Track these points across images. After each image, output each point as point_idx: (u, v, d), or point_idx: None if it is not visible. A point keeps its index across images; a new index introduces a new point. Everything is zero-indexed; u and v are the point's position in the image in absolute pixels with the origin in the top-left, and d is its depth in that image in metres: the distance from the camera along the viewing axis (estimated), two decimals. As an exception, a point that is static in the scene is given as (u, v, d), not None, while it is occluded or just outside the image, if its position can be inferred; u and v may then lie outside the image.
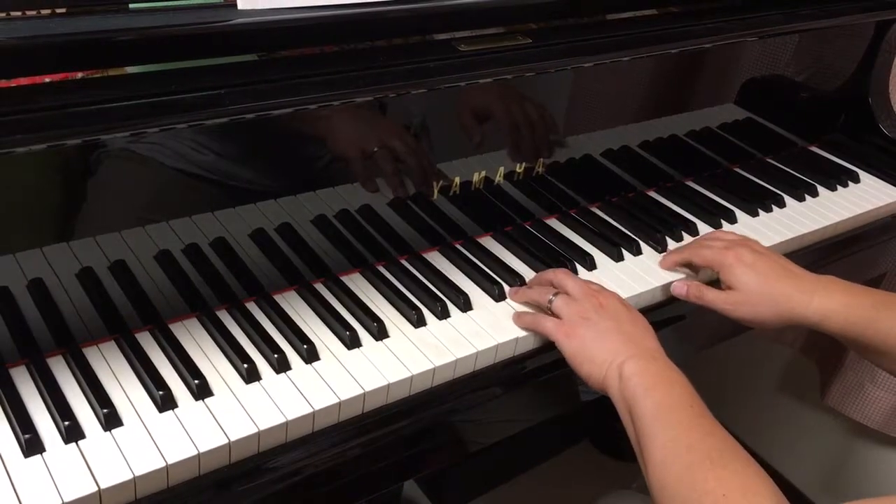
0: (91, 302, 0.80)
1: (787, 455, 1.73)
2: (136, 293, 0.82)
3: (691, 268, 1.02)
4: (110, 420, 0.71)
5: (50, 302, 0.79)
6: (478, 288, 0.95)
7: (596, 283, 0.92)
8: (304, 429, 0.76)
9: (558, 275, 0.92)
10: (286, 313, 0.86)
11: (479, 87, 0.96)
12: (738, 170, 1.29)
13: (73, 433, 0.70)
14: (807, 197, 1.23)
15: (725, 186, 1.22)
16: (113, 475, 0.67)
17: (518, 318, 0.90)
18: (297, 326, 0.84)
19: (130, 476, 0.67)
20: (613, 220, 1.11)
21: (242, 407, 0.75)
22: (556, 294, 0.88)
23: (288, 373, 0.79)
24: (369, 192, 0.95)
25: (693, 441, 0.71)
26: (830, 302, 0.89)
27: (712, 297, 0.95)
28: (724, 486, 0.66)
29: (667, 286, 1.00)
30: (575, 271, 1.00)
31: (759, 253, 0.95)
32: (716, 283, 0.97)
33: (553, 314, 0.88)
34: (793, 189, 1.23)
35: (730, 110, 1.28)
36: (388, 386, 0.80)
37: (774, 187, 1.23)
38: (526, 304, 0.93)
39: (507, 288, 0.95)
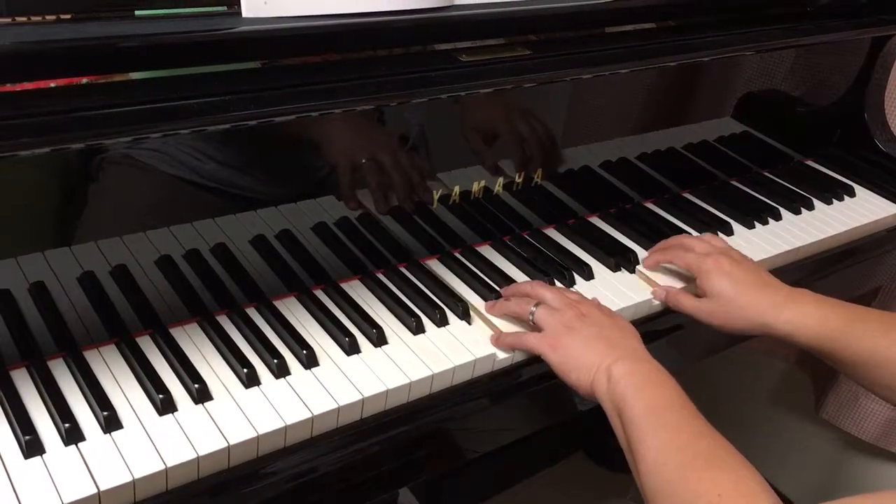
0: (92, 305, 0.81)
1: (782, 468, 1.73)
2: (137, 297, 0.83)
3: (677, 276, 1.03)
4: (110, 422, 0.72)
5: (51, 305, 0.79)
6: (477, 296, 0.95)
7: (574, 293, 0.93)
8: (302, 434, 0.77)
9: (535, 286, 0.92)
10: (286, 319, 0.86)
11: (479, 98, 0.97)
12: (734, 182, 1.30)
13: (73, 435, 0.70)
14: (803, 210, 1.24)
15: (722, 199, 1.23)
16: (112, 477, 0.67)
17: (498, 339, 0.89)
18: (297, 332, 0.85)
19: (130, 478, 0.67)
20: (611, 230, 1.12)
21: (242, 411, 0.75)
22: (536, 305, 0.88)
23: (287, 378, 0.80)
24: (369, 200, 0.95)
25: (685, 442, 0.71)
26: (801, 315, 0.90)
27: (688, 304, 0.96)
28: (719, 486, 0.66)
29: (664, 297, 1.01)
30: (572, 281, 1.00)
31: (736, 262, 0.96)
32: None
33: (535, 325, 0.88)
34: (789, 202, 1.24)
35: (727, 124, 1.29)
36: (387, 392, 0.80)
37: (771, 200, 1.24)
38: (504, 316, 0.92)
39: (485, 304, 0.94)
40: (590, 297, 0.94)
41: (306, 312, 0.89)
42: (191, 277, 0.86)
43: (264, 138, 0.85)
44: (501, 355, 0.88)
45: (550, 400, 0.98)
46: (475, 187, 1.03)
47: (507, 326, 0.91)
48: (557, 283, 0.99)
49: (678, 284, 1.02)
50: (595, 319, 0.86)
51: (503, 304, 0.93)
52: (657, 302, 1.00)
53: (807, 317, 0.90)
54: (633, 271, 1.04)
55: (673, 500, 0.68)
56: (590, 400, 0.82)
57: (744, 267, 0.96)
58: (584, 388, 0.82)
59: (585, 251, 1.07)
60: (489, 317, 0.93)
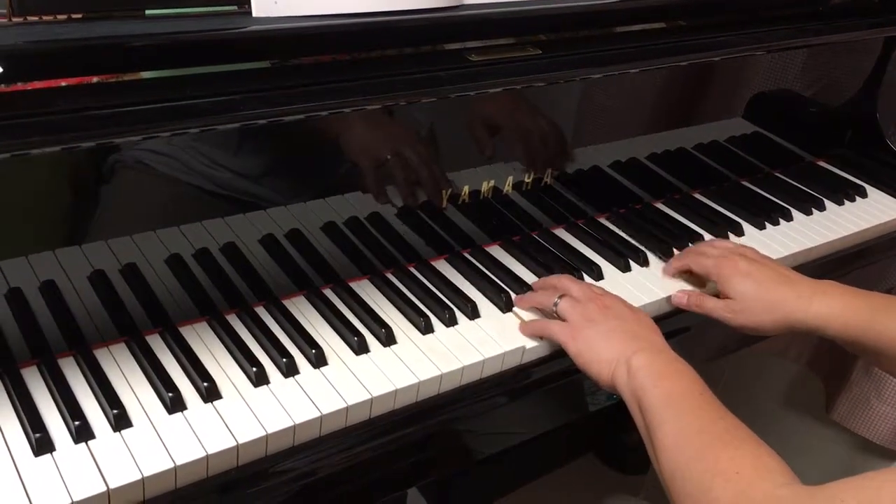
0: (102, 304, 0.81)
1: (792, 470, 1.72)
2: (146, 296, 0.83)
3: (694, 279, 1.02)
4: (120, 421, 0.72)
5: (62, 303, 0.79)
6: (485, 296, 0.95)
7: (599, 287, 0.93)
8: (311, 433, 0.77)
9: (562, 280, 0.93)
10: (295, 318, 0.86)
11: (488, 98, 0.97)
12: (745, 183, 1.29)
13: (83, 433, 0.70)
14: (814, 211, 1.23)
15: (733, 199, 1.22)
16: (122, 475, 0.67)
17: (524, 326, 0.91)
18: (306, 331, 0.85)
19: (139, 476, 0.68)
20: (621, 230, 1.12)
21: (251, 410, 0.75)
22: (560, 297, 0.89)
23: (296, 377, 0.80)
24: (379, 200, 0.95)
25: (704, 425, 0.72)
26: (829, 306, 0.90)
27: (712, 305, 0.95)
28: (737, 464, 0.66)
29: (673, 297, 1.00)
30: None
31: (755, 261, 0.96)
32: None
33: (558, 317, 0.89)
34: (800, 203, 1.23)
35: (738, 124, 1.28)
36: (396, 392, 0.80)
37: (782, 201, 1.24)
38: (530, 308, 0.93)
39: (514, 296, 0.95)
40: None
41: (315, 312, 0.89)
42: (200, 276, 0.86)
43: (273, 138, 0.85)
44: (511, 355, 0.88)
45: (561, 400, 0.98)
46: (484, 187, 1.03)
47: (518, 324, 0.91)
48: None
49: (689, 287, 1.01)
50: (617, 312, 0.87)
51: (530, 295, 0.94)
52: (667, 303, 1.00)
53: (835, 307, 0.89)
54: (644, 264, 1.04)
55: (691, 480, 0.68)
56: (609, 391, 0.82)
57: (763, 265, 0.96)
58: (604, 379, 0.82)
59: (595, 251, 1.06)
60: (496, 317, 0.92)
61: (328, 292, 0.92)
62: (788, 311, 0.91)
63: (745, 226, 1.17)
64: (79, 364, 0.78)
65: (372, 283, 0.95)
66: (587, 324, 0.85)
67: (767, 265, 0.96)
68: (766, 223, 1.18)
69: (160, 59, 0.75)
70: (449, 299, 0.93)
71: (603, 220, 1.14)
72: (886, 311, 0.88)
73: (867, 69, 1.33)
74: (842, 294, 0.91)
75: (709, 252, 1.00)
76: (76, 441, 0.70)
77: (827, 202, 1.25)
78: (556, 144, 1.08)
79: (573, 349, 0.85)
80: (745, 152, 1.31)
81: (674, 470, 0.70)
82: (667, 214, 1.18)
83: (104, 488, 0.66)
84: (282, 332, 0.85)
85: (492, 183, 1.03)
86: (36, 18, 0.71)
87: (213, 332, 0.84)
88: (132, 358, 0.79)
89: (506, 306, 0.94)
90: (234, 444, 0.72)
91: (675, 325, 1.00)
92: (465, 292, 0.94)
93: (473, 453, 0.93)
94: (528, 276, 1.00)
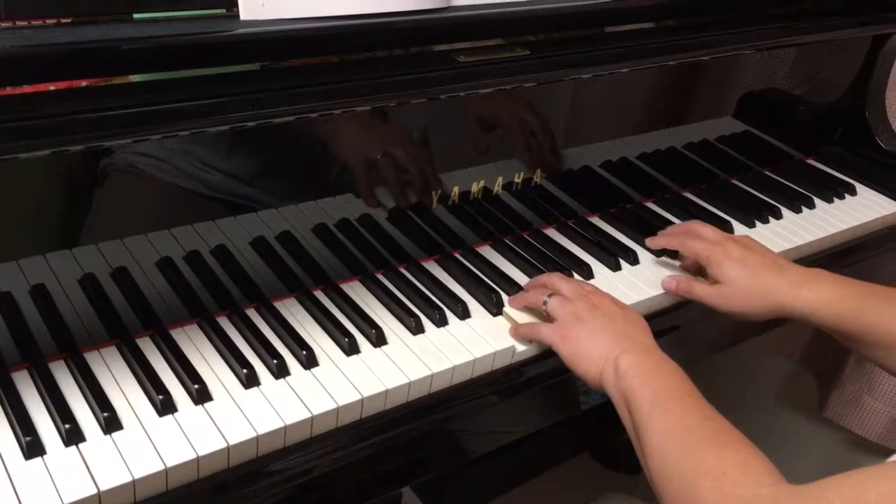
0: (93, 307, 0.81)
1: (785, 467, 1.72)
2: (137, 299, 0.83)
3: (685, 266, 1.03)
4: (110, 423, 0.72)
5: (52, 307, 0.79)
6: (476, 296, 0.96)
7: (589, 284, 0.93)
8: (302, 434, 0.77)
9: (552, 278, 0.94)
10: (286, 320, 0.87)
11: (478, 98, 0.97)
12: (735, 182, 1.30)
13: (73, 436, 0.70)
14: (803, 209, 1.23)
15: (723, 198, 1.23)
16: (112, 478, 0.67)
17: (514, 331, 0.91)
18: (297, 333, 0.85)
19: (130, 479, 0.68)
20: (611, 230, 1.12)
21: (241, 412, 0.75)
22: (550, 295, 0.89)
23: (287, 378, 0.80)
24: (369, 202, 0.95)
25: (691, 425, 0.72)
26: (819, 293, 0.90)
27: (701, 291, 0.96)
28: (724, 464, 0.67)
29: (664, 296, 1.01)
30: (572, 280, 1.00)
31: (746, 247, 0.96)
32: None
33: (548, 315, 0.89)
34: (790, 201, 1.24)
35: (728, 123, 1.29)
36: (386, 392, 0.81)
37: (771, 199, 1.24)
38: (522, 308, 0.93)
39: (504, 296, 0.95)
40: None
41: (306, 313, 0.89)
42: (191, 279, 0.86)
43: (264, 141, 0.85)
44: (502, 355, 0.88)
45: (553, 399, 0.99)
46: (474, 187, 1.03)
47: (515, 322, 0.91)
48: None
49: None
50: (606, 311, 0.87)
51: (522, 295, 0.94)
52: (660, 300, 1.00)
53: (824, 295, 0.90)
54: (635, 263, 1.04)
55: (679, 480, 0.69)
56: (597, 390, 0.83)
57: (754, 251, 0.96)
58: (593, 379, 0.82)
59: (585, 251, 1.07)
60: (486, 317, 0.93)
61: (319, 294, 0.92)
62: (778, 297, 0.91)
63: (736, 224, 1.17)
64: (69, 367, 0.78)
65: (363, 284, 0.95)
66: (576, 322, 0.86)
67: (759, 251, 0.97)
68: (756, 221, 1.18)
69: (149, 62, 0.75)
70: (439, 300, 0.93)
71: (593, 220, 1.14)
72: (875, 299, 0.88)
73: (856, 67, 1.34)
74: (831, 282, 0.91)
75: (703, 234, 1.00)
76: (67, 444, 0.70)
77: (817, 200, 1.26)
78: (546, 145, 1.08)
79: (563, 350, 0.85)
80: (734, 151, 1.31)
81: (661, 470, 0.71)
82: (657, 214, 1.18)
83: (95, 491, 0.66)
84: (272, 333, 0.85)
85: (482, 183, 1.04)
86: (25, 22, 0.71)
87: (203, 335, 0.84)
88: (123, 361, 0.80)
89: (496, 306, 0.94)
90: (224, 445, 0.72)
91: (665, 323, 1.00)
92: (456, 293, 0.95)
93: (466, 452, 0.93)
94: (518, 276, 1.00)
